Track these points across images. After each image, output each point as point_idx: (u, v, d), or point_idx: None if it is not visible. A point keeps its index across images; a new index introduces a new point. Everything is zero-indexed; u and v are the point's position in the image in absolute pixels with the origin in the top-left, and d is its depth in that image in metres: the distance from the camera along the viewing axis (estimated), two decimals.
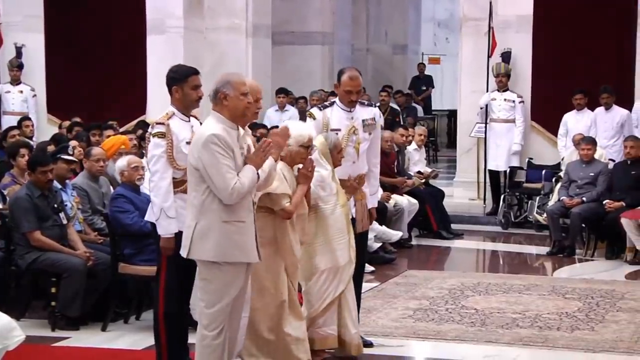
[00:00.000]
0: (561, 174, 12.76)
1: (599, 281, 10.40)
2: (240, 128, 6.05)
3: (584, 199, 11.75)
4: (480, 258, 12.73)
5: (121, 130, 12.57)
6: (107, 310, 8.28)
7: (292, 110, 16.15)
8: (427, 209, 13.19)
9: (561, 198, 12.08)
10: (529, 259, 12.20)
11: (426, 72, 23.37)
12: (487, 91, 14.54)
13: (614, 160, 12.79)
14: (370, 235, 11.18)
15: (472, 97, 15.09)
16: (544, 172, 13.73)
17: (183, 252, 5.91)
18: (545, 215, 12.64)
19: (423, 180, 13.50)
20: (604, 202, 11.57)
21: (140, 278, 8.17)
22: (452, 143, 20.17)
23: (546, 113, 14.37)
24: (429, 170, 14.27)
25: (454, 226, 13.53)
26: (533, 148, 14.56)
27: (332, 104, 7.56)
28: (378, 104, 17.89)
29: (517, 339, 7.99)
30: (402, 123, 16.51)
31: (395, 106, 19.26)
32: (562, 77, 14.17)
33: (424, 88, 22.66)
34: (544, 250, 12.27)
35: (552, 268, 11.53)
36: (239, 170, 5.73)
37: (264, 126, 14.01)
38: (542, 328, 8.30)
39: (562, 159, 13.29)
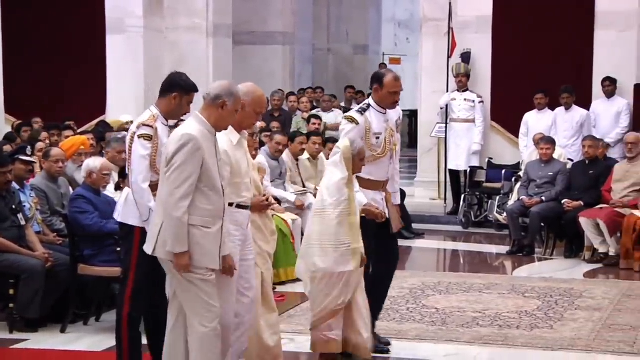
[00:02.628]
0: (521, 173, 12.85)
1: (558, 280, 10.46)
2: (240, 134, 6.23)
3: (543, 198, 11.83)
4: (441, 257, 12.78)
5: (80, 130, 12.52)
6: (66, 312, 8.18)
7: None
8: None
9: (521, 197, 12.16)
10: (489, 258, 12.24)
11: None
12: (447, 91, 14.61)
13: (573, 160, 12.89)
14: None
15: (432, 98, 15.17)
16: (503, 171, 13.83)
17: (148, 249, 5.88)
18: (505, 214, 12.70)
19: None
20: (562, 202, 11.67)
21: (100, 279, 8.10)
22: (412, 143, 20.24)
23: (506, 113, 14.48)
24: None
25: (415, 226, 13.55)
26: (493, 148, 14.66)
27: (368, 106, 7.39)
28: (344, 102, 18.07)
29: (477, 337, 7.99)
30: None
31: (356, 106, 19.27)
32: (522, 78, 14.26)
33: None
34: (503, 249, 12.33)
35: (512, 267, 11.58)
36: (206, 175, 5.70)
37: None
38: (502, 327, 8.32)
39: (523, 160, 13.34)
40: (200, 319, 5.78)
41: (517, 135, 14.15)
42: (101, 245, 8.03)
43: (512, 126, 14.29)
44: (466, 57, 14.67)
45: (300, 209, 10.98)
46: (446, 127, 14.46)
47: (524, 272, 11.17)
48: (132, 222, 6.44)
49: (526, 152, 13.45)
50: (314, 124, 14.09)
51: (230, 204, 6.07)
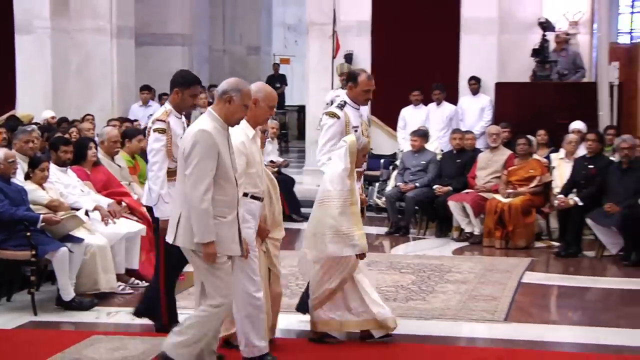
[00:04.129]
0: (397, 162, 13.04)
1: (430, 257, 10.63)
2: (255, 130, 6.23)
3: (417, 184, 12.02)
4: None
5: None
6: None
7: (155, 106, 16.01)
8: (280, 195, 13.22)
9: (397, 184, 12.35)
10: (369, 238, 12.09)
11: (283, 71, 23.52)
12: (332, 88, 14.69)
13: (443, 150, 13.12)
14: None
15: (318, 94, 15.21)
16: (382, 160, 13.94)
17: (169, 239, 5.83)
18: (383, 199, 12.88)
19: (276, 169, 13.57)
20: (434, 187, 11.88)
21: (11, 262, 7.92)
22: (301, 135, 20.26)
23: (384, 108, 14.55)
24: (281, 159, 14.31)
25: (303, 210, 13.52)
26: (372, 140, 14.74)
27: (345, 103, 7.36)
28: None
29: None
30: None
31: None
32: (399, 76, 14.36)
33: (278, 86, 22.73)
34: (382, 230, 12.45)
35: (390, 246, 11.71)
36: (221, 167, 5.65)
37: (129, 120, 13.88)
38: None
39: (402, 150, 13.45)
40: (211, 301, 5.75)
41: (394, 129, 14.29)
42: (12, 230, 7.85)
43: (390, 120, 14.45)
44: (349, 57, 14.80)
45: None
46: None
47: (400, 250, 11.33)
48: (150, 203, 6.80)
49: (403, 144, 13.58)
50: None
51: (245, 194, 6.03)
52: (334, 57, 14.76)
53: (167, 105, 6.82)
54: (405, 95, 14.01)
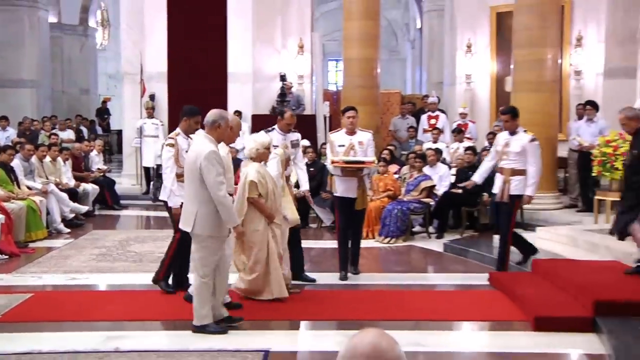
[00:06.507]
0: None
1: None
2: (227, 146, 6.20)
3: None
4: (139, 221, 12.65)
5: None
6: None
7: (11, 131, 15.13)
8: (105, 192, 13.02)
9: None
10: (168, 220, 11.84)
11: (108, 106, 22.80)
12: (140, 118, 14.59)
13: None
14: (66, 209, 10.93)
15: (131, 122, 15.07)
16: None
17: (187, 228, 5.49)
18: None
19: (102, 174, 13.30)
20: None
21: None
22: (120, 150, 19.81)
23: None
24: (105, 167, 14.09)
25: (122, 201, 13.45)
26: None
27: (273, 129, 7.33)
28: (75, 125, 17.35)
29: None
30: (86, 138, 16.12)
31: (83, 128, 18.78)
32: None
33: (106, 117, 22.19)
34: None
35: None
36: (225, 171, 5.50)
37: None
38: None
39: None
40: (202, 273, 5.49)
41: None
42: None
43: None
44: (152, 97, 14.75)
45: (45, 193, 10.56)
46: (141, 140, 14.42)
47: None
48: (164, 198, 6.68)
49: None
50: (53, 138, 13.52)
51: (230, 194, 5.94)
52: (142, 96, 14.63)
53: (178, 129, 6.65)
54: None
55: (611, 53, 12.91)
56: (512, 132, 7.41)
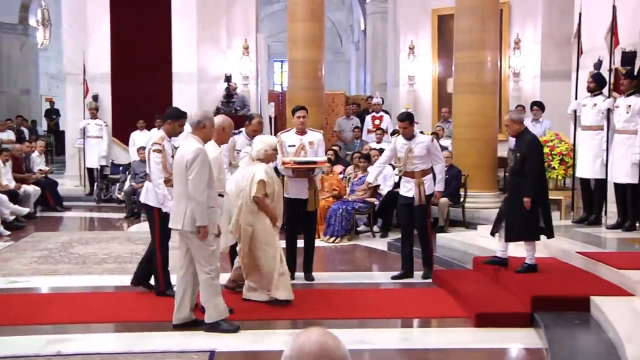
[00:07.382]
0: (130, 169, 12.89)
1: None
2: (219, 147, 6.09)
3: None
4: (83, 222, 12.48)
5: None
6: None
7: None
8: (47, 193, 12.71)
9: (131, 184, 12.26)
10: (112, 221, 12.11)
11: (56, 107, 22.23)
12: (84, 119, 14.34)
13: None
14: (6, 211, 10.62)
15: (74, 122, 14.83)
16: (121, 168, 13.87)
17: (177, 226, 5.51)
18: (122, 194, 12.74)
19: (43, 175, 12.98)
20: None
21: None
22: (62, 151, 19.36)
23: (122, 132, 14.38)
24: (47, 168, 13.77)
25: (65, 203, 13.17)
26: (115, 153, 14.54)
27: (240, 132, 7.32)
28: (16, 125, 16.86)
29: (105, 270, 7.88)
30: (27, 139, 15.71)
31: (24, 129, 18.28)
32: (131, 110, 14.08)
33: (54, 117, 21.66)
34: (122, 215, 12.34)
35: (128, 225, 11.47)
36: (210, 172, 5.44)
37: None
38: (121, 262, 8.33)
39: (133, 160, 13.17)
40: (208, 269, 5.48)
41: (128, 145, 14.10)
42: None
43: (125, 139, 14.23)
44: (95, 97, 14.51)
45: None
46: (84, 140, 14.17)
47: (134, 228, 11.16)
48: (151, 204, 6.49)
49: (134, 156, 13.21)
50: None
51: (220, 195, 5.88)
52: (85, 97, 14.35)
53: (161, 132, 6.51)
54: (134, 123, 13.88)
55: (547, 56, 13.29)
56: (409, 138, 7.42)
